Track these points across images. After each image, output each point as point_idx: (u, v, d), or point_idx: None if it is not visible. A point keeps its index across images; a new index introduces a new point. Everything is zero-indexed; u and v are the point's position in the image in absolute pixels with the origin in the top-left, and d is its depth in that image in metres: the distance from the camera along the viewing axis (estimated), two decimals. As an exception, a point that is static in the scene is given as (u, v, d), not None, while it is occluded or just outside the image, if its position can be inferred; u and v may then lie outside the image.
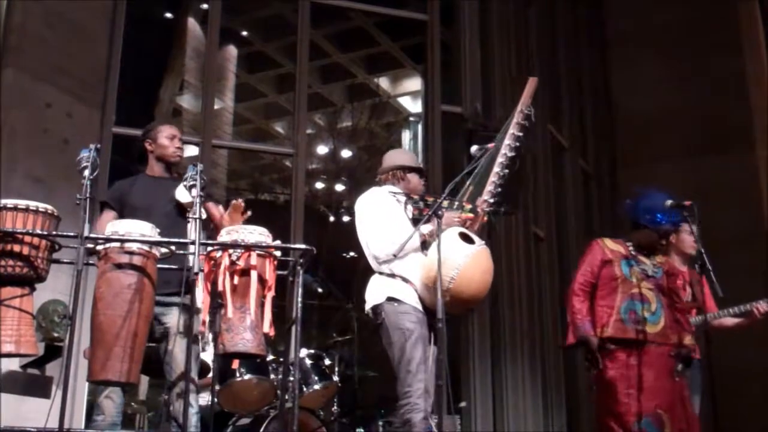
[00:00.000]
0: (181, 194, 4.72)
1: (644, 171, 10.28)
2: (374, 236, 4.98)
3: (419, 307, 4.90)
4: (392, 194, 5.10)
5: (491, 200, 5.08)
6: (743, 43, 10.81)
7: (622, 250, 5.41)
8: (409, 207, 5.04)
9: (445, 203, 4.98)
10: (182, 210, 4.77)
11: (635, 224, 5.50)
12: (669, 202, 5.39)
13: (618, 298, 5.28)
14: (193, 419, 4.55)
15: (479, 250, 4.90)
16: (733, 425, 5.89)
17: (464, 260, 4.77)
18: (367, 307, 5.07)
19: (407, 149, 5.99)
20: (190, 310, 4.36)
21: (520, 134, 5.20)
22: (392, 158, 5.44)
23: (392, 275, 4.94)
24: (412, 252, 4.92)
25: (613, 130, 11.45)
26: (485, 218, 5.12)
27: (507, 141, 5.15)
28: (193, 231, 4.14)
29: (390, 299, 4.89)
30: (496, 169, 5.10)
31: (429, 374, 4.83)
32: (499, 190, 5.09)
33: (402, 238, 4.81)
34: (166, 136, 5.11)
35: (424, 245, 4.97)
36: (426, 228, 4.96)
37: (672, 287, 5.51)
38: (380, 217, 4.99)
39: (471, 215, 5.04)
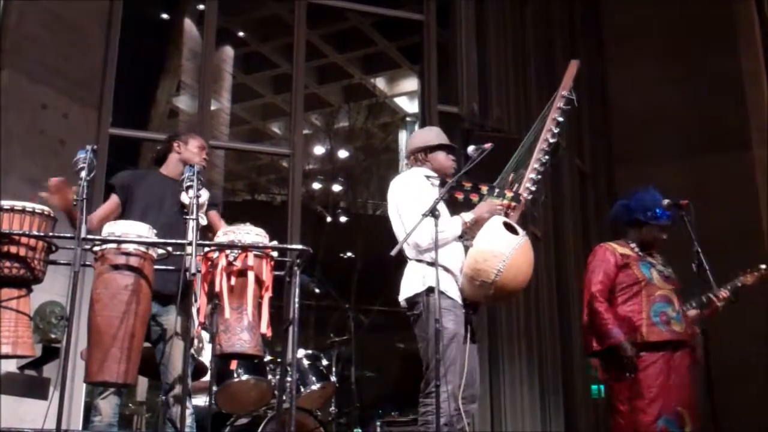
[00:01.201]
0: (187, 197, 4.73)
1: (640, 170, 10.27)
2: (414, 222, 4.53)
3: (460, 300, 4.72)
4: (427, 177, 4.85)
5: (533, 188, 4.94)
6: (740, 42, 10.81)
7: (630, 252, 5.38)
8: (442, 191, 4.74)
9: (485, 190, 4.88)
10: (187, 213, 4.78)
11: (632, 223, 5.49)
12: (666, 201, 5.40)
13: (644, 301, 5.23)
14: (188, 420, 4.55)
15: (525, 240, 4.74)
16: (730, 423, 5.90)
17: (511, 252, 4.61)
18: (402, 296, 4.78)
19: (432, 127, 5.50)
20: (186, 311, 4.38)
21: (561, 119, 5.03)
22: (414, 140, 5.19)
23: (433, 264, 4.53)
24: (453, 240, 4.74)
25: (609, 129, 11.44)
26: (525, 207, 4.98)
27: (549, 126, 4.99)
28: (190, 232, 4.14)
29: (432, 290, 4.52)
30: (538, 155, 4.94)
31: (466, 373, 4.73)
32: (540, 177, 4.96)
33: (445, 224, 4.57)
34: (197, 145, 5.22)
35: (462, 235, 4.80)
36: (468, 216, 4.80)
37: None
38: (418, 203, 4.64)
39: (513, 203, 4.89)
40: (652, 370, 5.13)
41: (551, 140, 4.97)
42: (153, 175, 5.14)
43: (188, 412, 4.60)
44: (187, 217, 4.18)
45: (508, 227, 4.75)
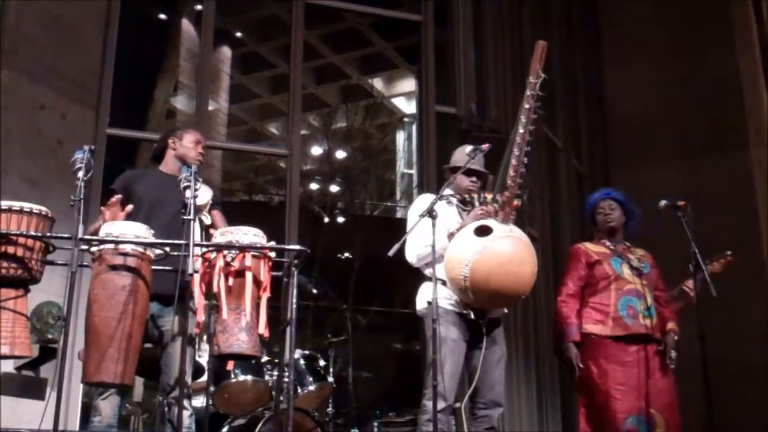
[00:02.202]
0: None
1: (638, 171, 10.28)
2: (419, 233, 4.76)
3: (455, 309, 4.84)
4: (440, 197, 4.90)
5: (512, 183, 4.82)
6: (738, 43, 10.82)
7: (605, 249, 5.47)
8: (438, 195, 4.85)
9: (475, 197, 4.93)
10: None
11: (593, 223, 5.67)
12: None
13: (612, 295, 5.31)
14: (187, 421, 4.54)
15: (496, 241, 4.68)
16: (729, 423, 5.90)
17: (473, 255, 4.61)
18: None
19: (466, 146, 5.41)
20: (184, 312, 4.37)
21: (537, 104, 4.83)
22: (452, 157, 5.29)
23: (426, 279, 4.87)
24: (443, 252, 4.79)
25: (607, 130, 11.46)
26: (517, 203, 4.90)
27: (521, 117, 4.82)
28: (188, 232, 4.13)
29: (429, 303, 4.74)
30: (514, 149, 4.81)
31: (480, 377, 4.82)
32: (524, 170, 4.82)
33: (422, 243, 4.71)
34: (192, 140, 5.21)
35: None
36: (455, 226, 4.85)
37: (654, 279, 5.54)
38: (411, 225, 4.85)
39: (494, 205, 4.87)
40: (621, 366, 5.16)
41: (521, 131, 4.80)
42: (152, 173, 5.14)
43: (188, 413, 4.59)
44: (185, 217, 4.17)
45: (482, 230, 4.73)
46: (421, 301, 4.95)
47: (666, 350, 5.30)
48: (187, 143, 5.18)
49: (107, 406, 4.61)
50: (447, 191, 5.08)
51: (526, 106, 4.82)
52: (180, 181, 4.42)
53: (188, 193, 4.31)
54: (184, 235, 4.09)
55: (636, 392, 5.11)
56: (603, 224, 5.59)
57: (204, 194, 4.81)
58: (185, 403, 4.50)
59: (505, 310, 5.17)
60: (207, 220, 4.94)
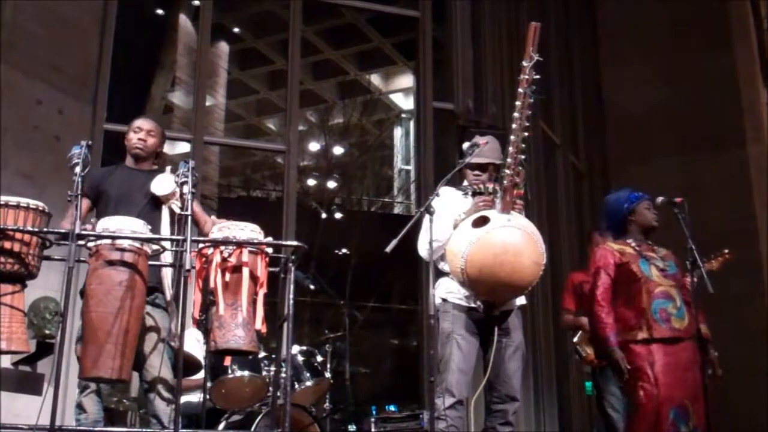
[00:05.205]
0: (157, 187, 4.70)
1: (636, 168, 10.30)
2: (432, 227, 4.71)
3: (462, 303, 4.78)
4: (458, 190, 4.95)
5: (509, 171, 4.72)
6: (734, 40, 10.84)
7: (630, 250, 5.37)
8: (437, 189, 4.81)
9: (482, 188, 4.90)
10: (157, 203, 4.74)
11: (624, 221, 5.48)
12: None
13: (644, 299, 5.21)
14: (168, 410, 4.51)
15: (490, 231, 4.61)
16: (727, 423, 5.90)
17: (467, 247, 4.57)
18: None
19: (477, 138, 5.27)
20: (178, 308, 4.36)
21: (533, 88, 4.77)
22: None
23: (446, 274, 4.85)
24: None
25: (604, 127, 11.46)
26: (519, 191, 4.83)
27: (517, 102, 4.77)
28: (182, 227, 4.13)
29: (443, 300, 4.82)
30: (512, 137, 4.73)
31: (492, 372, 4.79)
32: (522, 157, 4.75)
33: (436, 236, 4.65)
34: (131, 129, 5.05)
35: None
36: (460, 215, 4.81)
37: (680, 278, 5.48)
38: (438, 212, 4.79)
39: (493, 195, 4.84)
40: (658, 363, 5.11)
41: (517, 115, 4.72)
42: (119, 170, 5.02)
43: (164, 405, 4.55)
44: (184, 213, 4.17)
45: (481, 221, 4.67)
46: (437, 298, 4.87)
47: (714, 369, 5.30)
48: (128, 134, 5.04)
49: (90, 403, 4.58)
50: (465, 182, 5.06)
51: (520, 90, 4.76)
52: (177, 175, 4.42)
53: (185, 188, 4.31)
54: (161, 225, 4.09)
55: (672, 387, 5.07)
56: (650, 222, 5.48)
57: (169, 184, 4.73)
58: (166, 395, 4.49)
59: (519, 302, 5.02)
60: (177, 209, 4.83)
